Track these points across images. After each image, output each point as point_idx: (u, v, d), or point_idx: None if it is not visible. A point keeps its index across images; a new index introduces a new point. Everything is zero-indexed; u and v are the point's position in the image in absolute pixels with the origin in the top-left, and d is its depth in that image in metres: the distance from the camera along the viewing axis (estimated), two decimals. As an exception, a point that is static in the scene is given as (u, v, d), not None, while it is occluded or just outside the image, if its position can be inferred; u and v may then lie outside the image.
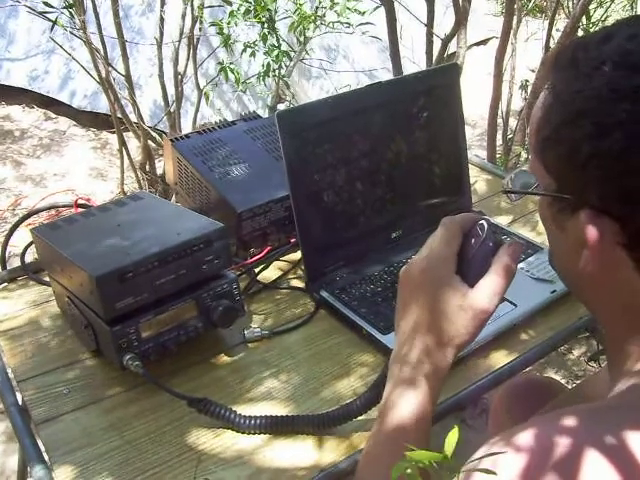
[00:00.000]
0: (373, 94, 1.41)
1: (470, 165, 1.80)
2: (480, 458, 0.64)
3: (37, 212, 1.56)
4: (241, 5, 2.48)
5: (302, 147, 1.32)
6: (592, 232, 0.70)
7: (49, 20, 2.36)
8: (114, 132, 3.24)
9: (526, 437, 0.62)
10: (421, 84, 1.48)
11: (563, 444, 0.59)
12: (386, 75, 2.69)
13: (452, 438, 0.57)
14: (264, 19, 2.50)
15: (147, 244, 1.15)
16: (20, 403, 1.15)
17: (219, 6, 2.61)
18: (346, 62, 4.37)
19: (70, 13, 2.38)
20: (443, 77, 1.53)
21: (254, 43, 2.67)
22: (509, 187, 0.89)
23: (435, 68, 1.64)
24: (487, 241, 0.85)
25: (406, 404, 0.84)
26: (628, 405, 0.66)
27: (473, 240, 0.86)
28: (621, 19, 0.77)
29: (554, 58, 0.77)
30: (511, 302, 1.30)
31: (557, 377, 2.49)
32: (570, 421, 0.62)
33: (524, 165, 0.87)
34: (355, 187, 1.41)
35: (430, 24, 2.45)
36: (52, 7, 2.33)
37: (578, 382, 2.39)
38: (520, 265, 1.40)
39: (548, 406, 1.23)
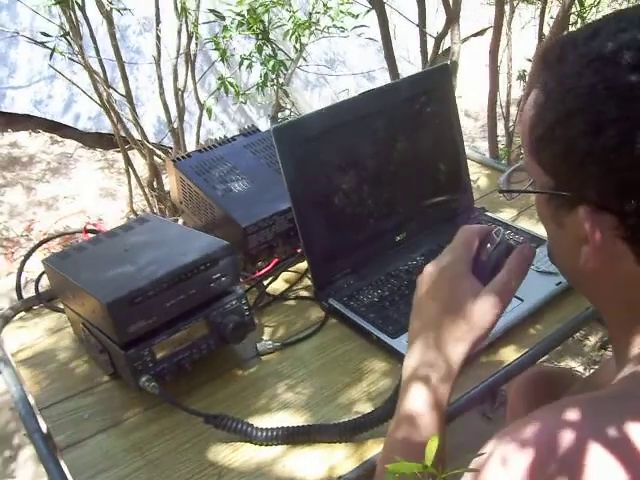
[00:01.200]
0: (367, 102, 1.43)
1: (470, 161, 1.82)
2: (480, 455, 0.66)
3: (47, 241, 1.59)
4: (234, 19, 2.50)
5: (300, 159, 1.34)
6: (591, 228, 0.72)
7: (48, 48, 2.40)
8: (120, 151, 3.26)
9: (530, 433, 0.63)
10: (413, 88, 1.50)
11: (567, 439, 0.61)
12: (385, 76, 2.70)
13: (432, 447, 0.58)
14: (258, 31, 2.52)
15: (155, 267, 1.17)
16: (43, 429, 1.18)
17: (213, 21, 2.63)
18: (344, 66, 4.38)
19: (67, 40, 2.41)
20: (435, 79, 1.55)
21: (250, 55, 2.69)
22: (505, 186, 0.91)
23: (426, 71, 1.66)
24: (501, 245, 0.89)
25: (420, 401, 0.85)
26: (630, 394, 0.67)
27: (489, 245, 0.90)
28: (608, 14, 0.78)
29: (543, 55, 0.77)
30: (518, 297, 1.32)
31: (575, 364, 2.50)
32: (572, 414, 0.63)
33: (519, 162, 0.88)
34: (356, 194, 1.43)
35: (422, 23, 2.46)
36: (49, 36, 2.36)
37: (595, 368, 2.39)
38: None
39: (563, 397, 1.25)
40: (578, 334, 2.59)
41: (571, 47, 0.73)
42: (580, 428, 0.61)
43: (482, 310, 0.85)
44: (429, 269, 0.92)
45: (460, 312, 0.86)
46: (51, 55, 2.36)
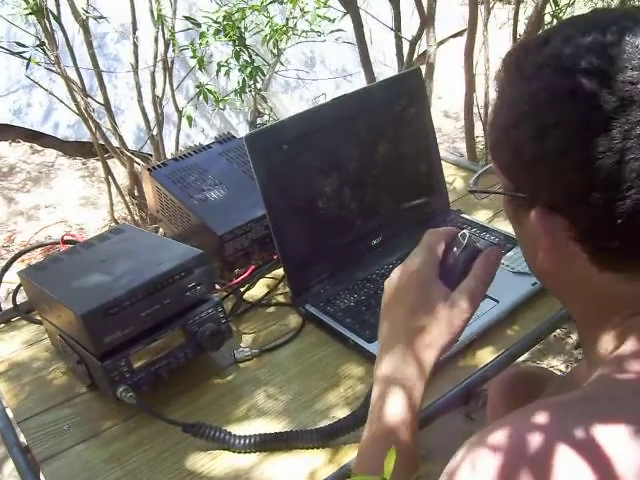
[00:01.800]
0: (339, 107, 1.44)
1: (446, 164, 1.83)
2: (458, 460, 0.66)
3: (25, 253, 1.59)
4: (210, 26, 2.50)
5: (273, 166, 1.35)
6: (544, 229, 0.73)
7: (24, 58, 2.39)
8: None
9: (500, 436, 0.64)
10: (385, 92, 1.51)
11: (536, 442, 0.61)
12: (363, 79, 2.71)
13: (389, 462, 0.59)
14: (235, 37, 2.52)
15: (130, 277, 1.17)
16: (22, 443, 1.18)
17: (190, 29, 2.63)
18: (323, 69, 4.39)
19: (44, 50, 2.40)
20: (407, 82, 1.55)
21: (226, 62, 2.69)
22: (475, 187, 0.92)
23: (398, 75, 1.66)
24: (468, 248, 0.89)
25: (391, 408, 0.85)
26: (598, 396, 0.67)
27: (455, 248, 0.90)
28: (560, 21, 0.79)
29: (503, 61, 0.79)
30: (493, 298, 1.33)
31: (557, 362, 2.51)
32: (542, 417, 0.64)
33: (474, 166, 0.90)
34: (330, 199, 1.44)
35: (397, 27, 2.47)
36: (25, 46, 2.35)
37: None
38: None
39: (542, 397, 1.25)
40: (560, 332, 2.60)
41: (524, 53, 0.75)
42: (549, 431, 0.62)
43: (450, 315, 0.86)
44: (396, 273, 0.93)
45: (428, 317, 0.87)
46: (27, 66, 2.35)
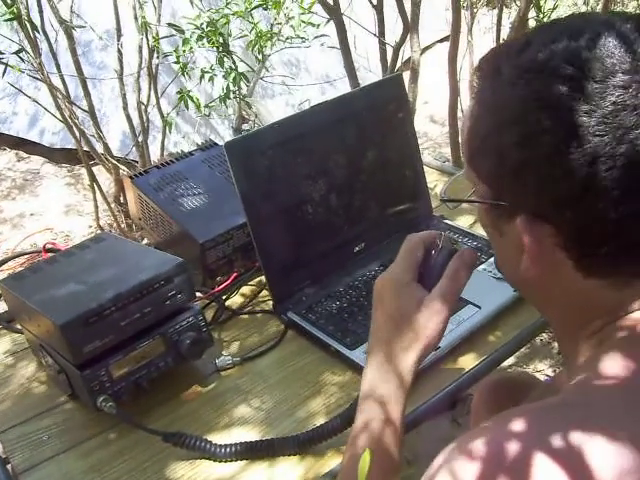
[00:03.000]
0: (320, 114, 1.44)
1: (429, 169, 1.83)
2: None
3: (4, 262, 1.58)
4: (193, 32, 2.50)
5: (254, 173, 1.35)
6: (529, 237, 0.72)
7: (3, 64, 2.37)
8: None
9: (478, 444, 0.64)
10: (367, 98, 1.51)
11: (514, 449, 0.61)
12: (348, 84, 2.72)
13: (363, 466, 0.59)
14: (218, 44, 2.52)
15: (109, 286, 1.17)
16: (1, 453, 1.17)
17: (173, 35, 2.63)
18: (308, 75, 4.39)
19: (21, 58, 2.39)
20: (389, 88, 1.56)
21: (211, 68, 2.69)
22: (446, 195, 0.92)
23: (379, 81, 1.66)
24: (444, 250, 0.91)
25: (375, 416, 0.86)
26: (575, 402, 0.67)
27: (433, 251, 0.91)
28: (540, 24, 0.78)
29: (478, 66, 0.78)
30: (475, 304, 1.33)
31: (543, 366, 2.51)
32: (520, 424, 0.64)
33: (459, 172, 0.89)
34: (312, 206, 1.44)
35: (381, 33, 2.48)
36: (2, 53, 2.34)
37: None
38: (482, 266, 1.43)
39: (525, 402, 1.25)
40: (546, 336, 2.61)
41: (505, 58, 0.73)
42: (526, 438, 0.62)
43: (425, 317, 0.87)
44: (377, 282, 0.93)
45: (404, 322, 0.87)
46: (3, 72, 2.34)
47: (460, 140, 0.82)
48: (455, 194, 0.92)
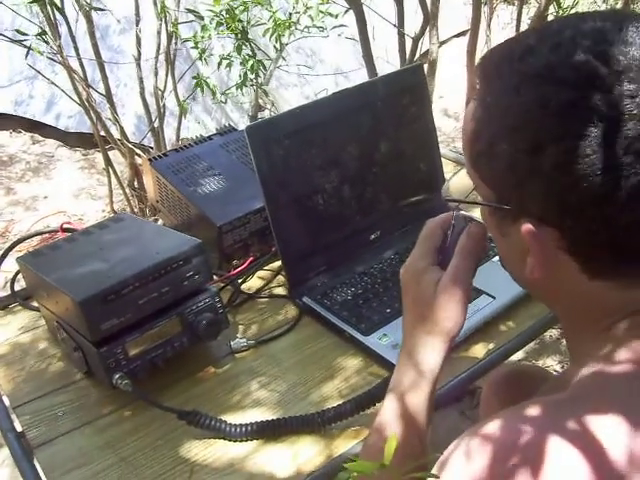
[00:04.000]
0: (340, 101, 1.44)
1: (446, 160, 1.83)
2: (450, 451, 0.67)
3: (23, 240, 1.59)
4: (212, 19, 2.50)
5: (273, 158, 1.35)
6: (534, 241, 0.72)
7: (24, 46, 2.39)
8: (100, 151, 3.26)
9: (493, 428, 0.65)
10: (387, 87, 1.51)
11: (529, 432, 0.62)
12: (364, 76, 2.71)
13: (390, 447, 0.60)
14: (237, 30, 2.52)
15: (128, 265, 1.18)
16: (17, 428, 1.18)
17: (192, 21, 2.63)
18: (324, 65, 4.38)
19: (43, 39, 2.40)
20: (409, 78, 1.56)
21: (229, 55, 2.69)
22: (449, 195, 0.92)
23: (400, 70, 1.66)
24: (457, 228, 0.91)
25: (398, 398, 0.88)
26: (587, 395, 0.67)
27: (449, 232, 0.92)
28: (540, 26, 0.76)
29: (481, 66, 0.76)
30: (490, 295, 1.33)
31: (552, 362, 2.51)
32: (535, 411, 0.65)
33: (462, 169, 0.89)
34: (330, 193, 1.44)
35: (401, 24, 2.48)
36: (25, 34, 2.35)
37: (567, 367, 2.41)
38: (497, 257, 1.43)
39: (536, 395, 1.26)
40: (555, 332, 2.61)
41: (508, 62, 0.72)
42: (541, 423, 0.63)
43: (443, 299, 0.87)
44: (401, 271, 0.94)
45: (425, 307, 0.88)
46: (27, 54, 2.35)
47: (462, 140, 0.80)
48: (463, 188, 0.91)
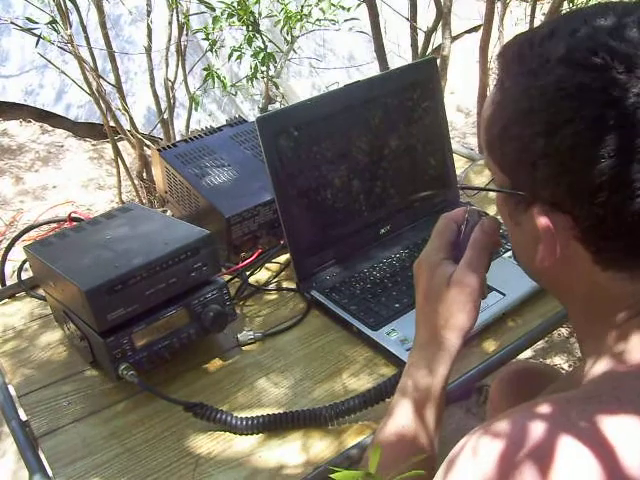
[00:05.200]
0: (352, 93, 1.43)
1: (458, 156, 1.81)
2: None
3: (31, 229, 1.58)
4: (224, 10, 2.49)
5: (284, 150, 1.34)
6: (545, 227, 0.72)
7: (35, 35, 2.38)
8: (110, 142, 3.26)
9: (503, 425, 0.64)
10: (400, 80, 1.50)
11: (539, 430, 0.61)
12: (376, 69, 2.70)
13: (375, 456, 0.59)
14: (248, 22, 2.51)
15: (135, 255, 1.17)
16: (22, 417, 1.17)
17: (203, 12, 2.62)
18: (335, 58, 4.37)
19: (54, 28, 2.39)
20: (422, 72, 1.54)
21: (240, 47, 2.68)
22: (464, 182, 0.92)
23: (413, 64, 1.65)
24: (470, 223, 0.91)
25: (409, 395, 0.88)
26: (600, 393, 0.66)
27: (462, 226, 0.92)
28: (567, 12, 0.77)
29: (502, 54, 0.76)
30: (500, 292, 1.32)
31: (561, 361, 2.50)
32: (545, 409, 0.64)
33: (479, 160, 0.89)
34: (340, 186, 1.43)
35: (413, 17, 2.46)
36: (36, 22, 2.34)
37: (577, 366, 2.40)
38: (508, 254, 1.42)
39: (544, 393, 1.25)
40: (564, 331, 2.60)
41: (528, 46, 0.72)
42: (552, 421, 0.62)
43: (456, 294, 0.87)
44: (414, 266, 0.94)
45: (439, 301, 0.88)
46: (37, 42, 2.34)
47: (480, 127, 0.80)
48: (474, 183, 0.91)
